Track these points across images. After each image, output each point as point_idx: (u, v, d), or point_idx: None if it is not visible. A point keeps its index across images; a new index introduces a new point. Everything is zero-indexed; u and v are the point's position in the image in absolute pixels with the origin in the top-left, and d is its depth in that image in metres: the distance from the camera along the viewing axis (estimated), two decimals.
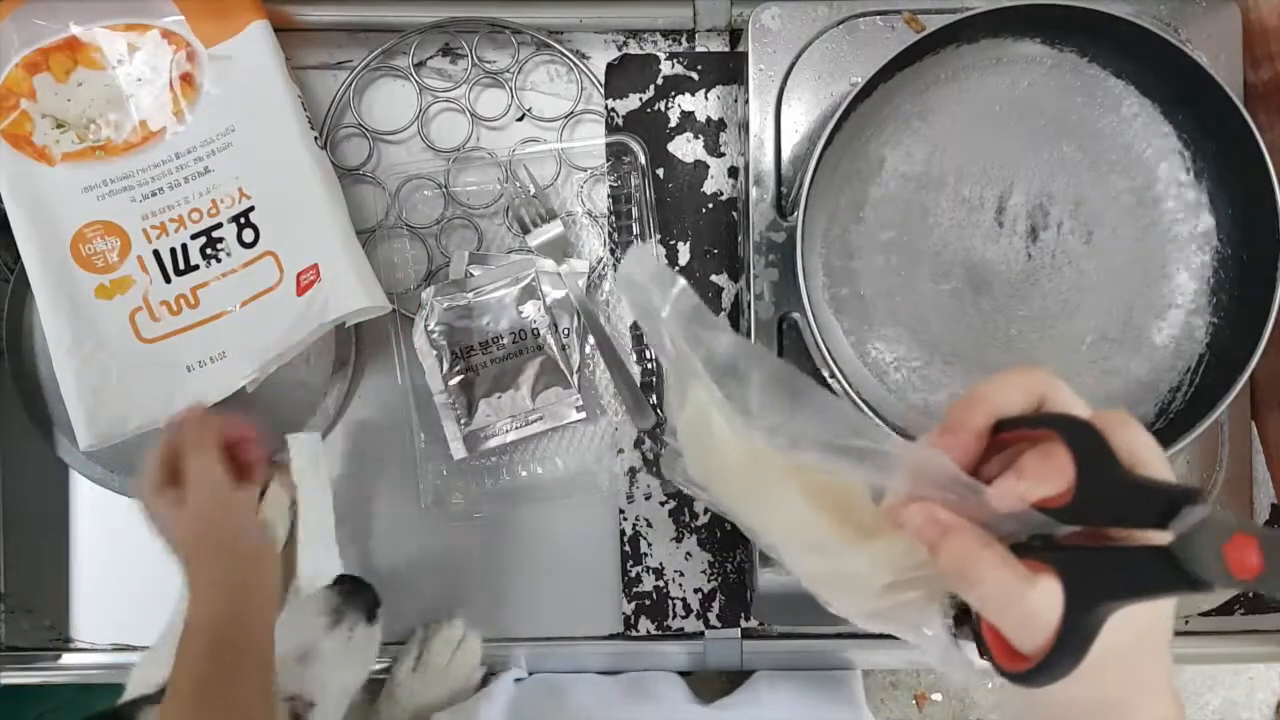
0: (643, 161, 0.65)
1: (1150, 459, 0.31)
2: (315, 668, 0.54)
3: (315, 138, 0.63)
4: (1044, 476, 0.31)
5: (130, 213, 0.62)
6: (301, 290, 0.61)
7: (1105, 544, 0.32)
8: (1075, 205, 0.58)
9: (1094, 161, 0.58)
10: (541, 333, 0.64)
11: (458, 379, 0.64)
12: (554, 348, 0.64)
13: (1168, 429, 0.56)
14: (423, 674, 0.65)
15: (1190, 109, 0.56)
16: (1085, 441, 0.30)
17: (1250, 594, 0.67)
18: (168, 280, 0.62)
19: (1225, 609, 0.66)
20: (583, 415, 0.65)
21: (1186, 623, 0.67)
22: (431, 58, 0.67)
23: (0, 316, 0.65)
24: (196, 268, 0.62)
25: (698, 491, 0.41)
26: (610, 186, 0.66)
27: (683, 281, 0.38)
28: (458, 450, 0.65)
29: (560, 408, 0.65)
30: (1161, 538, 0.29)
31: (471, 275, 0.65)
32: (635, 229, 0.66)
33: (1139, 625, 0.31)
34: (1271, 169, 0.52)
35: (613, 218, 0.66)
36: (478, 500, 0.66)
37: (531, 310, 0.64)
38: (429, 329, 0.64)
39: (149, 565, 0.67)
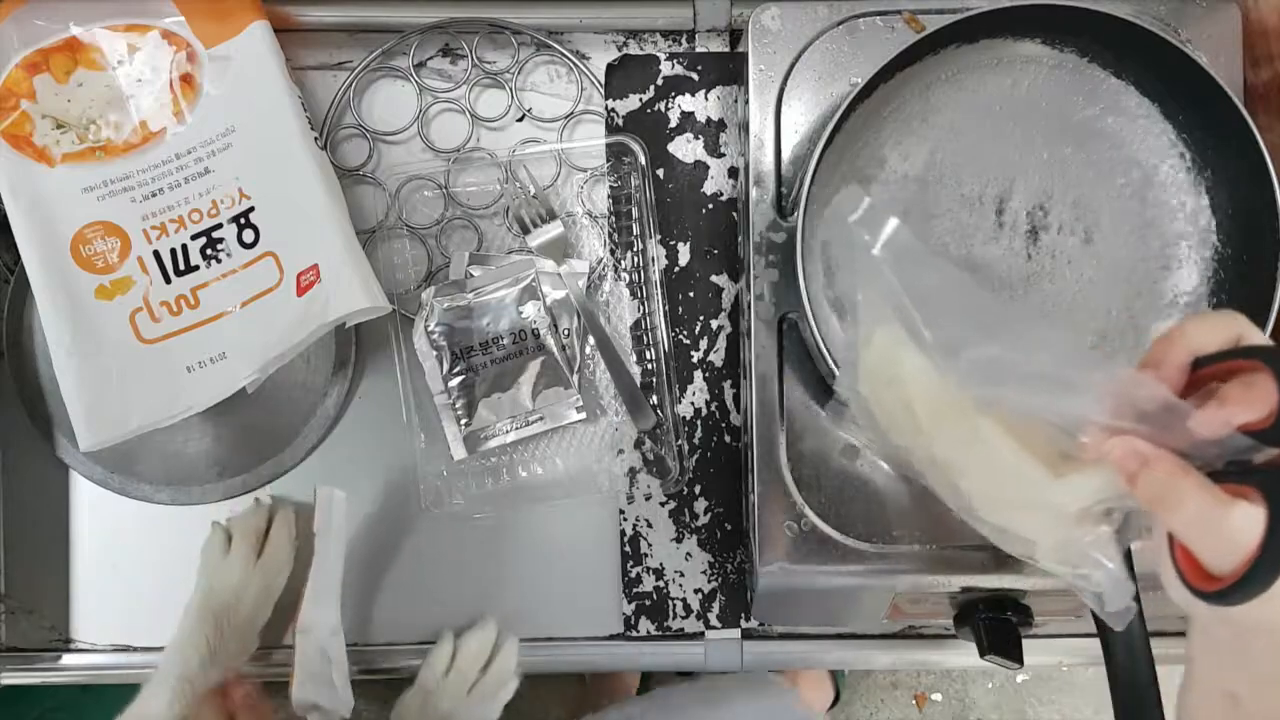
0: (643, 162, 0.65)
1: None
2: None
3: (315, 138, 0.63)
4: (1249, 402, 0.33)
5: (130, 213, 0.62)
6: (301, 291, 0.61)
7: None
8: (1075, 205, 0.58)
9: (1094, 161, 0.58)
10: (542, 333, 0.64)
11: (458, 379, 0.64)
12: (554, 348, 0.64)
13: None
14: (456, 682, 0.64)
15: (1190, 109, 0.56)
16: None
17: None
18: (168, 281, 0.62)
19: None
20: (583, 415, 0.65)
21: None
22: (431, 58, 0.67)
23: (0, 316, 0.65)
24: (196, 268, 0.62)
25: (866, 441, 0.43)
26: (610, 187, 0.66)
27: (896, 220, 0.40)
28: (458, 451, 0.65)
29: (560, 408, 0.65)
30: None
31: (472, 276, 0.65)
32: (635, 229, 0.66)
33: None
34: (1271, 169, 0.52)
35: (613, 218, 0.66)
36: (478, 501, 0.66)
37: (532, 311, 0.64)
38: (429, 329, 0.64)
39: (149, 565, 0.68)
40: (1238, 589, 0.32)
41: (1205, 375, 0.35)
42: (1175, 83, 0.56)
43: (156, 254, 0.62)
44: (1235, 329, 0.35)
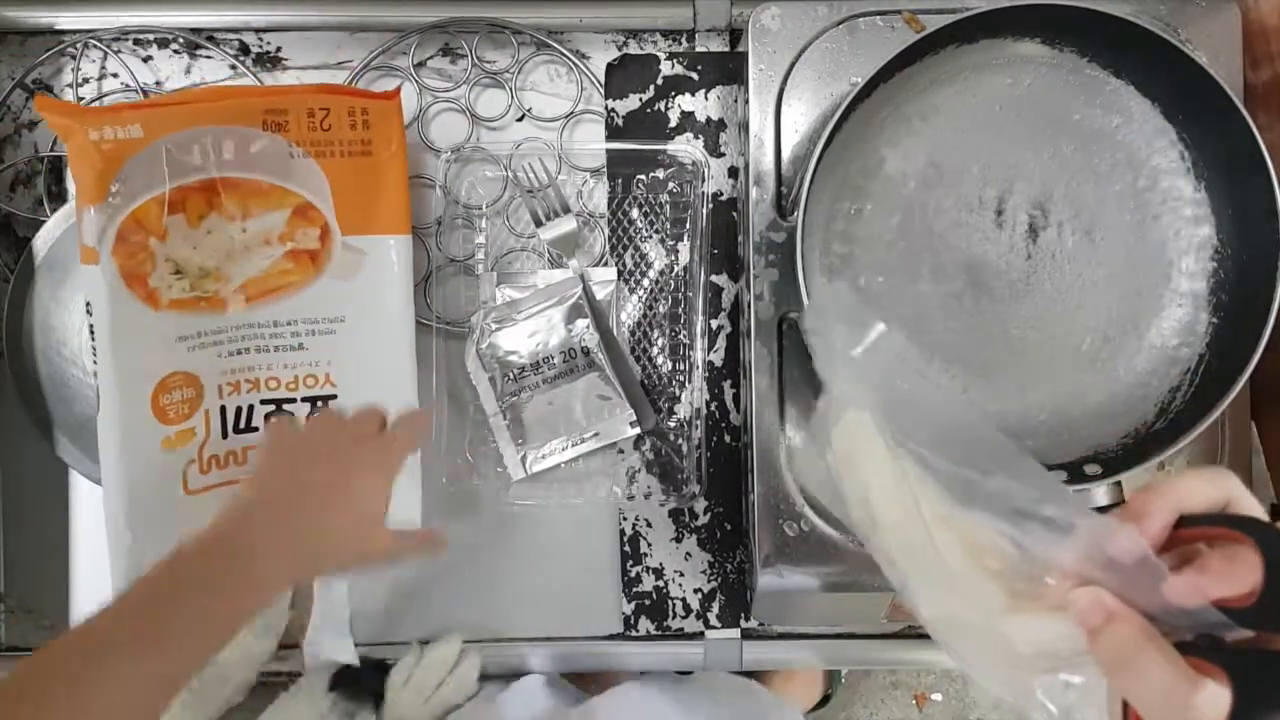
0: (706, 173, 0.65)
1: None
2: None
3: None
4: (1230, 575, 0.31)
5: (212, 367, 0.60)
6: None
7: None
8: (1075, 205, 0.58)
9: (1094, 161, 0.58)
10: (592, 350, 0.64)
11: (511, 400, 0.65)
12: (605, 364, 0.64)
13: (1168, 429, 0.56)
14: (414, 692, 0.64)
15: (1190, 109, 0.56)
16: (1275, 544, 0.30)
17: None
18: (224, 436, 0.61)
19: None
20: (636, 430, 0.65)
21: None
22: (431, 58, 0.67)
23: (0, 316, 0.65)
24: (256, 429, 0.61)
25: (824, 502, 0.40)
26: (670, 193, 0.66)
27: (882, 326, 0.39)
28: (516, 471, 0.65)
29: (614, 424, 0.65)
30: None
31: (508, 296, 0.65)
32: (688, 241, 0.66)
33: None
34: (1271, 169, 0.52)
35: (669, 225, 0.66)
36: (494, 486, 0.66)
37: (580, 328, 0.64)
38: (480, 350, 0.64)
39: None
40: None
41: (1188, 535, 0.33)
42: (1175, 83, 0.56)
43: (223, 409, 0.61)
44: (1227, 491, 0.33)
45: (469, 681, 0.65)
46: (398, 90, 0.62)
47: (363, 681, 0.62)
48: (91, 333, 0.58)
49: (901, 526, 0.38)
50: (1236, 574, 0.31)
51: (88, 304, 0.57)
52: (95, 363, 0.58)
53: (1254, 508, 0.33)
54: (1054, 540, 0.32)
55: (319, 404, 0.62)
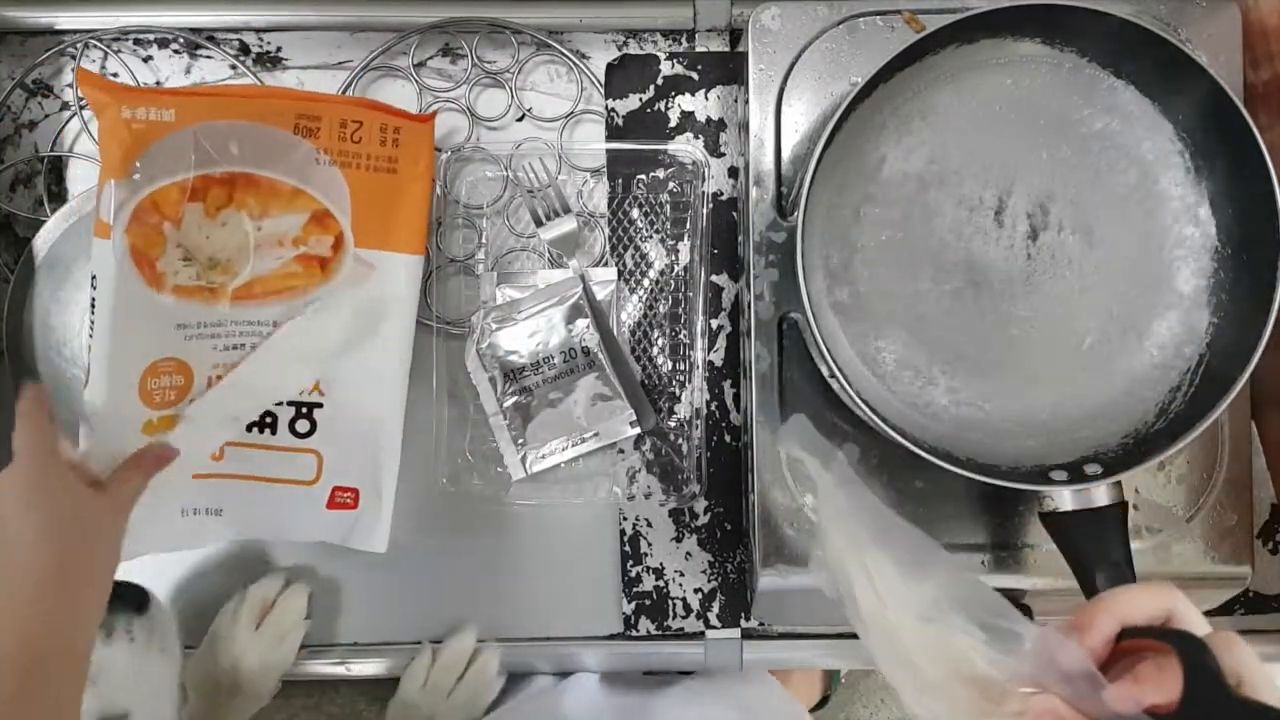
0: (706, 172, 0.65)
1: (1257, 681, 0.34)
2: (110, 680, 0.53)
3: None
4: (1158, 684, 0.34)
5: (204, 358, 0.60)
6: (332, 505, 0.61)
7: None
8: (1075, 205, 0.58)
9: (1094, 161, 0.58)
10: (592, 350, 0.64)
11: (511, 400, 0.65)
12: (605, 364, 0.64)
13: (1168, 429, 0.56)
14: (434, 693, 0.64)
15: (1190, 109, 0.56)
16: (1195, 656, 0.34)
17: (1250, 594, 0.67)
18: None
19: (1225, 609, 0.66)
20: (637, 430, 0.65)
21: None
22: (431, 58, 0.67)
23: (0, 316, 0.65)
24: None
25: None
26: (670, 193, 0.66)
27: (840, 455, 0.44)
28: (516, 471, 0.65)
29: (614, 424, 0.65)
30: None
31: (508, 296, 0.65)
32: (688, 241, 0.66)
33: None
34: (1271, 169, 0.52)
35: (669, 225, 0.66)
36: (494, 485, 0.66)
37: (581, 328, 0.64)
38: (480, 350, 0.64)
39: (149, 566, 0.67)
40: None
41: (1131, 646, 0.36)
42: (1175, 83, 0.55)
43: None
44: (1167, 604, 0.36)
45: (488, 676, 0.65)
46: (433, 115, 0.63)
47: (119, 593, 0.58)
48: (92, 307, 0.57)
49: (885, 638, 0.41)
50: (1164, 683, 0.34)
51: (93, 277, 0.57)
52: (91, 337, 0.57)
53: (1193, 620, 0.36)
54: (1012, 650, 0.36)
55: (303, 410, 0.61)
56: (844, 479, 0.44)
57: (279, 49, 0.67)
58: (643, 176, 0.66)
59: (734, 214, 0.66)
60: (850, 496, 0.43)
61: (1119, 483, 0.55)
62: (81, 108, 0.66)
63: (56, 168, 0.67)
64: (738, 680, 0.70)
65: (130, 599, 0.56)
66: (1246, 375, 0.52)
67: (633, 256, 0.66)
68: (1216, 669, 0.34)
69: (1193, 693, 0.33)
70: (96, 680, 0.53)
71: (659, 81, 0.67)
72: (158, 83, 0.67)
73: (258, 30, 0.67)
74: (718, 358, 0.67)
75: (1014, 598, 0.59)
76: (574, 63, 0.67)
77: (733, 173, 0.67)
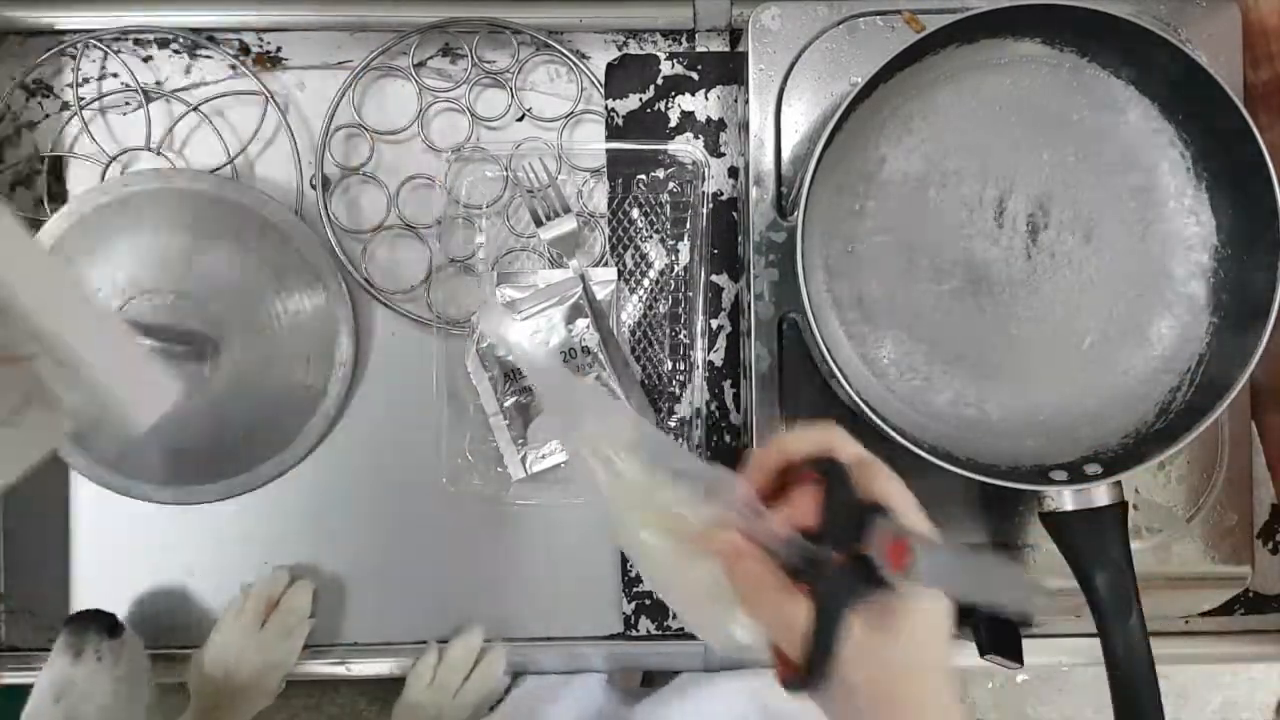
0: (706, 172, 0.65)
1: (888, 492, 0.37)
2: (72, 698, 0.54)
3: None
4: (804, 508, 0.37)
5: None
6: None
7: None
8: (1075, 205, 0.58)
9: (1094, 161, 0.58)
10: (592, 350, 0.64)
11: (511, 400, 0.65)
12: (606, 364, 0.64)
13: (1168, 429, 0.56)
14: (440, 691, 0.64)
15: (1190, 109, 0.56)
16: (831, 475, 0.38)
17: (1250, 593, 0.67)
18: None
19: (1225, 609, 0.66)
20: None
21: (1186, 623, 0.67)
22: (431, 58, 0.67)
23: None
24: None
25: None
26: (670, 193, 0.66)
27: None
28: (516, 471, 0.65)
29: None
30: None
31: (508, 296, 0.65)
32: (688, 241, 0.66)
33: (908, 639, 0.36)
34: (1271, 169, 0.52)
35: (669, 225, 0.66)
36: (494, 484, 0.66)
37: (581, 328, 0.64)
38: (480, 350, 0.64)
39: (149, 566, 0.68)
40: (804, 679, 0.35)
41: (799, 478, 0.39)
42: (1175, 82, 0.56)
43: None
44: (827, 441, 0.39)
45: (495, 674, 0.65)
46: None
47: (90, 617, 0.60)
48: None
49: (623, 527, 0.42)
50: (809, 506, 0.37)
51: None
52: None
53: (846, 449, 0.38)
54: (706, 491, 0.39)
55: None
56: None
57: (279, 49, 0.67)
58: (643, 176, 0.66)
59: (734, 214, 0.66)
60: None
61: (1119, 483, 0.55)
62: (82, 108, 0.66)
63: (56, 168, 0.67)
64: (754, 675, 0.70)
65: (103, 623, 0.58)
66: (1246, 375, 0.52)
67: (633, 256, 0.66)
68: (849, 485, 0.37)
69: (828, 507, 0.37)
70: (61, 698, 0.54)
71: (659, 81, 0.67)
72: (158, 83, 0.67)
73: (258, 30, 0.67)
74: (718, 358, 0.67)
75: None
76: (574, 63, 0.67)
77: (733, 173, 0.67)
